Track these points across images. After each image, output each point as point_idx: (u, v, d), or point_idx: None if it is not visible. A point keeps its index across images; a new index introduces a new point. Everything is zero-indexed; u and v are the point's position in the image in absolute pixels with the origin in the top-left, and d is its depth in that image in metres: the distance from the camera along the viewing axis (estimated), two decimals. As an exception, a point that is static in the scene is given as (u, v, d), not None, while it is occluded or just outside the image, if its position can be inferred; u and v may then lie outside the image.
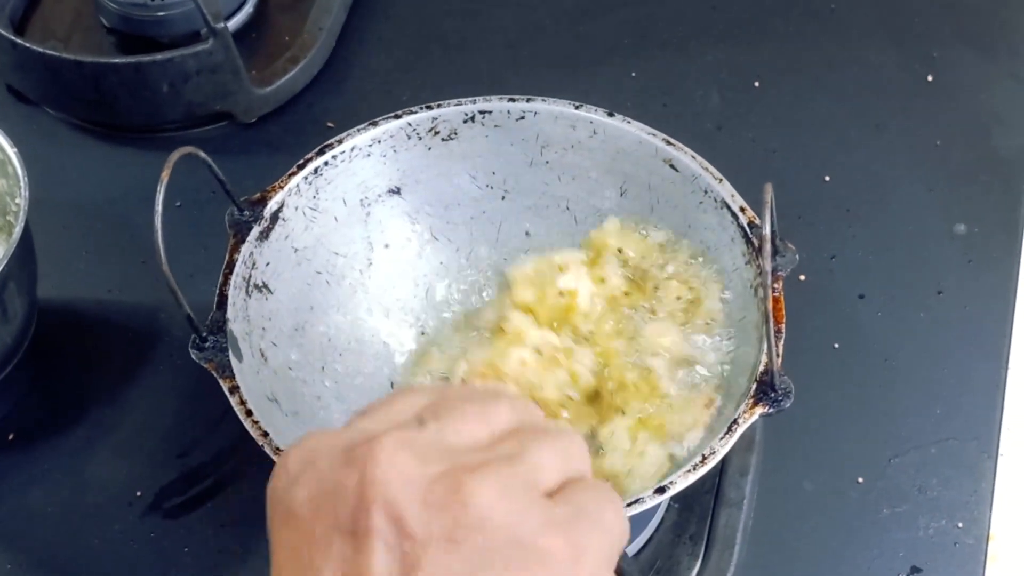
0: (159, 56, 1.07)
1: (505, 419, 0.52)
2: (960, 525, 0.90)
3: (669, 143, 0.86)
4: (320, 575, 0.47)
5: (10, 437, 0.96)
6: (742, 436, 0.74)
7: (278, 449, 0.73)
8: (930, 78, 1.16)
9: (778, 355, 0.75)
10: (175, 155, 0.76)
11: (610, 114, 0.88)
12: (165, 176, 0.74)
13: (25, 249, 0.90)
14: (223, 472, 0.94)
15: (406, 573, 0.47)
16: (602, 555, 0.50)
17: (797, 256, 0.81)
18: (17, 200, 0.90)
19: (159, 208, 0.73)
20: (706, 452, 0.72)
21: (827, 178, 1.09)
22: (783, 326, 0.77)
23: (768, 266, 0.71)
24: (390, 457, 0.48)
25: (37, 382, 0.99)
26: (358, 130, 0.88)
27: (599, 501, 0.51)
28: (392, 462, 0.48)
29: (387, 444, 0.48)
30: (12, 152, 0.90)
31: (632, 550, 0.86)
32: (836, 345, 0.98)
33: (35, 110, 1.16)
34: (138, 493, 0.93)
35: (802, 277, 1.01)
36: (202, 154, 0.79)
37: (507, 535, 0.48)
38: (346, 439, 0.50)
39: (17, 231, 0.87)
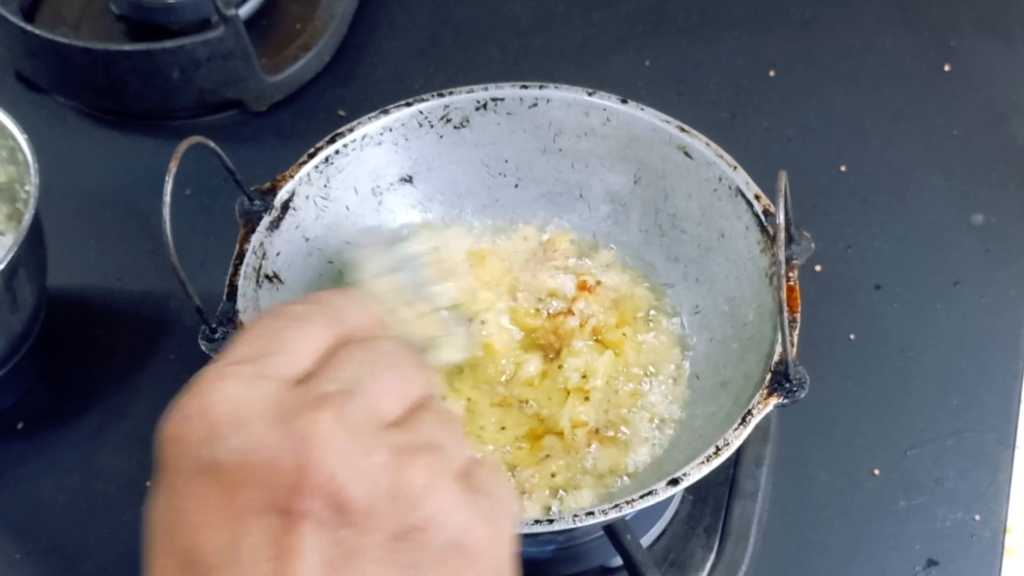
0: (169, 43, 1.06)
1: (417, 389, 0.53)
2: (977, 517, 0.89)
3: (683, 130, 0.85)
4: (238, 543, 0.47)
5: (19, 426, 0.96)
6: (757, 427, 0.73)
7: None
8: (947, 67, 1.15)
9: (793, 345, 0.74)
10: (183, 145, 0.75)
11: (623, 101, 0.87)
12: (173, 167, 0.73)
13: (35, 237, 0.89)
14: (233, 462, 0.93)
15: (341, 560, 0.46)
16: (510, 536, 0.51)
17: (813, 245, 0.80)
18: (27, 187, 0.89)
19: (167, 199, 0.72)
20: (720, 443, 0.72)
21: (843, 167, 1.08)
22: (798, 315, 0.76)
23: (782, 255, 0.70)
24: (332, 438, 0.47)
25: (47, 371, 0.98)
26: (369, 118, 0.87)
27: (501, 484, 0.53)
28: (335, 445, 0.47)
29: (326, 422, 0.48)
30: (22, 139, 0.90)
31: (646, 542, 0.86)
32: (852, 336, 0.98)
33: (45, 97, 1.15)
34: (147, 483, 0.92)
35: (818, 267, 1.00)
36: (211, 144, 0.78)
37: (446, 536, 0.48)
38: (277, 400, 0.49)
39: (27, 219, 0.87)
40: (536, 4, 1.22)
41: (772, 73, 1.15)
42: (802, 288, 0.78)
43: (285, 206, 0.84)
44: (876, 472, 0.91)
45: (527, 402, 0.82)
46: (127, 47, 1.08)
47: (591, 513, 0.70)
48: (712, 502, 0.88)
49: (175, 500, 0.49)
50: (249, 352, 0.51)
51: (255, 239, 0.82)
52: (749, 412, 0.73)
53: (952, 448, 0.92)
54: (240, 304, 0.79)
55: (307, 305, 0.54)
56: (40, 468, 0.94)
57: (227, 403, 0.48)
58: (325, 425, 0.47)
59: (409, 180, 0.89)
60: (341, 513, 0.47)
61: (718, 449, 0.71)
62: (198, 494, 0.48)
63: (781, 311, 0.72)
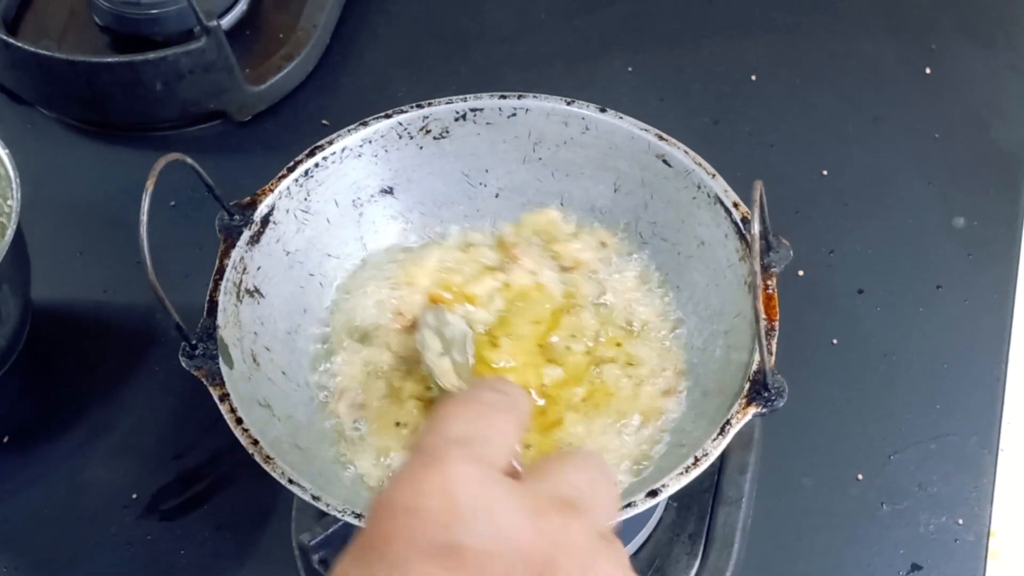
0: (152, 55, 1.07)
1: (613, 513, 0.56)
2: (960, 522, 0.89)
3: (662, 138, 0.85)
4: None
5: (5, 440, 0.96)
6: (740, 434, 0.73)
7: (269, 457, 0.72)
8: (928, 71, 1.15)
9: (771, 353, 0.74)
10: (160, 162, 0.75)
11: (602, 110, 0.87)
12: (150, 185, 0.73)
13: (18, 250, 0.89)
14: (219, 474, 0.94)
15: None
16: None
17: (791, 252, 0.80)
18: (9, 202, 0.89)
19: (144, 217, 0.72)
20: (699, 453, 0.72)
21: (825, 172, 1.08)
22: (776, 324, 0.76)
23: (758, 265, 0.70)
24: (580, 545, 0.50)
25: (32, 384, 0.98)
26: (348, 130, 0.87)
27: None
28: (581, 553, 0.50)
29: (577, 530, 0.50)
30: (3, 153, 0.90)
31: (631, 550, 0.86)
32: (835, 341, 0.98)
33: (28, 110, 1.15)
34: (134, 495, 0.93)
35: (800, 272, 1.00)
36: (189, 160, 0.78)
37: None
38: (518, 493, 0.50)
39: (10, 232, 0.87)
40: (519, 11, 1.22)
41: (754, 78, 1.15)
42: (784, 293, 0.78)
43: (265, 220, 0.84)
44: (859, 477, 0.91)
45: None
46: (109, 59, 1.08)
47: (572, 524, 0.70)
48: (696, 509, 0.89)
49: (399, 572, 0.48)
50: (462, 433, 0.52)
51: (235, 254, 0.82)
52: (728, 422, 0.73)
53: (935, 452, 0.93)
54: (220, 319, 0.79)
55: (502, 396, 0.56)
56: (27, 482, 0.94)
57: (472, 486, 0.49)
58: (576, 532, 0.50)
59: (390, 191, 0.89)
60: None
61: (697, 459, 0.71)
62: (426, 573, 0.47)
63: (758, 320, 0.72)
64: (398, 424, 0.80)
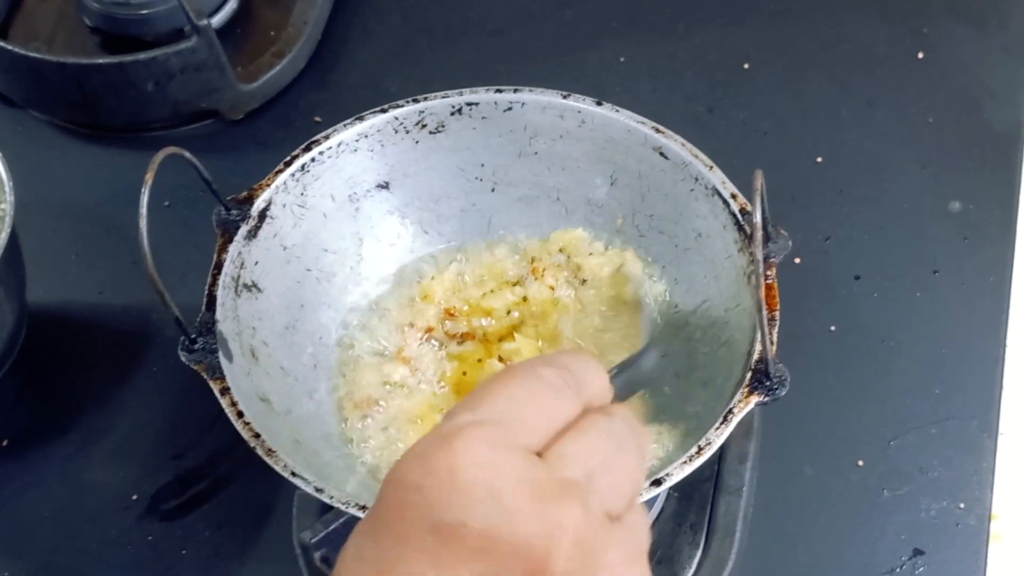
0: (142, 55, 1.06)
1: (637, 485, 0.55)
2: (962, 506, 0.89)
3: (658, 131, 0.85)
4: None
5: (4, 443, 0.96)
6: (740, 423, 0.73)
7: (271, 450, 0.72)
8: (921, 54, 1.15)
9: (772, 343, 0.74)
10: (159, 156, 0.75)
11: (598, 103, 0.87)
12: (149, 178, 0.73)
13: (13, 253, 0.89)
14: (219, 473, 0.93)
15: None
16: None
17: (790, 242, 0.80)
18: (2, 204, 0.89)
19: (143, 211, 0.72)
20: (702, 443, 0.72)
21: (819, 159, 1.08)
22: (777, 313, 0.76)
23: (760, 254, 0.70)
24: (580, 531, 0.49)
25: (29, 387, 0.98)
26: (344, 125, 0.87)
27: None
28: (581, 538, 0.49)
29: (577, 515, 0.49)
30: (-4, 155, 0.90)
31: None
32: (832, 328, 0.98)
33: (19, 113, 1.15)
34: (134, 496, 0.92)
35: (797, 260, 1.00)
36: (187, 154, 0.78)
37: None
38: (527, 475, 0.49)
39: (3, 235, 0.87)
40: (509, 4, 1.22)
41: (747, 66, 1.15)
42: (781, 280, 0.78)
43: (262, 215, 0.84)
44: (860, 464, 0.91)
45: None
46: (100, 60, 1.08)
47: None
48: (697, 499, 0.89)
49: (397, 549, 0.49)
50: (497, 413, 0.51)
51: (233, 249, 0.82)
52: (730, 411, 0.73)
53: (935, 437, 0.93)
54: (219, 314, 0.79)
55: (556, 371, 0.54)
56: (26, 485, 0.94)
57: (479, 468, 0.48)
58: (576, 517, 0.49)
59: (386, 186, 0.89)
60: None
61: (700, 449, 0.72)
62: (427, 550, 0.48)
63: (760, 310, 0.72)
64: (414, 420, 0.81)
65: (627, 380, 0.68)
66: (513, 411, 0.51)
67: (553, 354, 0.58)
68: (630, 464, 0.54)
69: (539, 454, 0.51)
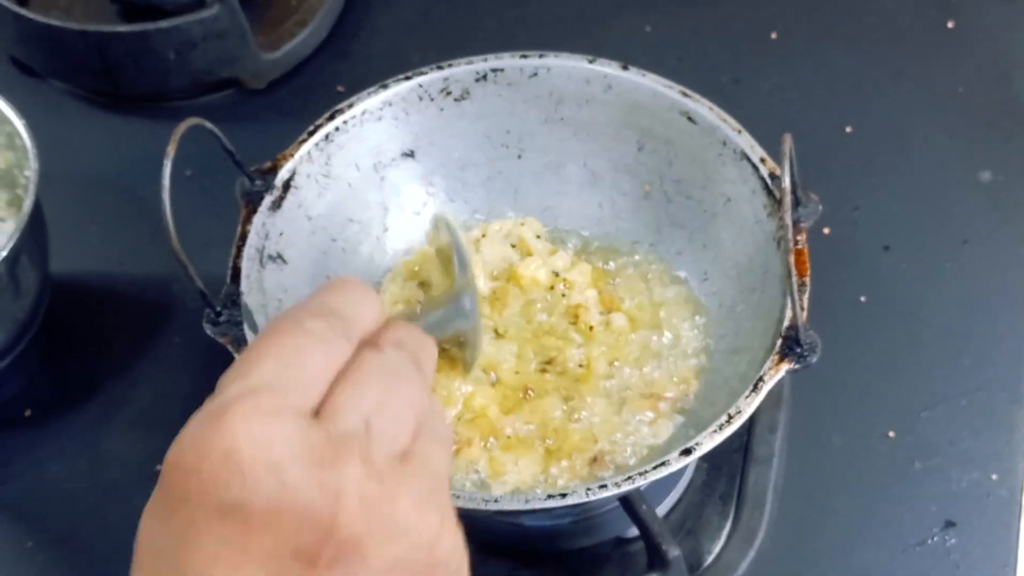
0: (164, 23, 1.05)
1: (420, 408, 0.53)
2: (994, 477, 0.88)
3: (686, 95, 0.84)
4: None
5: (27, 413, 0.95)
6: (770, 392, 0.72)
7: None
8: (950, 24, 1.14)
9: (803, 309, 0.73)
10: (181, 127, 0.74)
11: (624, 67, 0.86)
12: (171, 150, 0.72)
13: (36, 223, 0.89)
14: (242, 443, 0.93)
15: None
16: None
17: (820, 207, 0.79)
18: (26, 172, 0.88)
19: (166, 183, 0.71)
20: (732, 411, 0.71)
21: (848, 129, 1.07)
22: (807, 279, 0.76)
23: (789, 219, 0.69)
24: (361, 490, 0.48)
25: (51, 357, 0.98)
26: (368, 93, 0.86)
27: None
28: (363, 497, 0.48)
29: (356, 473, 0.48)
30: (20, 124, 0.89)
31: (662, 511, 0.85)
32: (862, 298, 0.97)
33: (40, 82, 1.14)
34: (157, 467, 0.92)
35: (826, 230, 0.99)
36: (208, 124, 0.77)
37: (453, 568, 0.52)
38: (304, 441, 0.48)
39: (27, 204, 0.86)
40: (533, -29, 1.21)
41: (773, 36, 1.14)
42: (810, 251, 0.77)
43: (286, 185, 0.83)
44: (891, 434, 0.90)
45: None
46: (121, 28, 1.07)
47: (604, 486, 0.70)
48: (727, 469, 0.88)
49: (187, 533, 0.48)
50: (266, 377, 0.50)
51: (257, 220, 0.81)
52: (761, 379, 0.72)
53: (965, 408, 0.92)
54: (244, 286, 0.78)
55: (323, 319, 0.53)
56: (48, 455, 0.93)
57: (253, 444, 0.47)
58: (356, 475, 0.48)
59: (411, 155, 0.88)
60: (364, 561, 0.48)
61: (730, 417, 0.71)
62: (215, 532, 0.47)
63: (790, 275, 0.71)
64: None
65: (441, 317, 0.71)
66: (283, 372, 0.50)
67: (318, 293, 0.56)
68: (408, 393, 0.53)
69: (317, 410, 0.50)
